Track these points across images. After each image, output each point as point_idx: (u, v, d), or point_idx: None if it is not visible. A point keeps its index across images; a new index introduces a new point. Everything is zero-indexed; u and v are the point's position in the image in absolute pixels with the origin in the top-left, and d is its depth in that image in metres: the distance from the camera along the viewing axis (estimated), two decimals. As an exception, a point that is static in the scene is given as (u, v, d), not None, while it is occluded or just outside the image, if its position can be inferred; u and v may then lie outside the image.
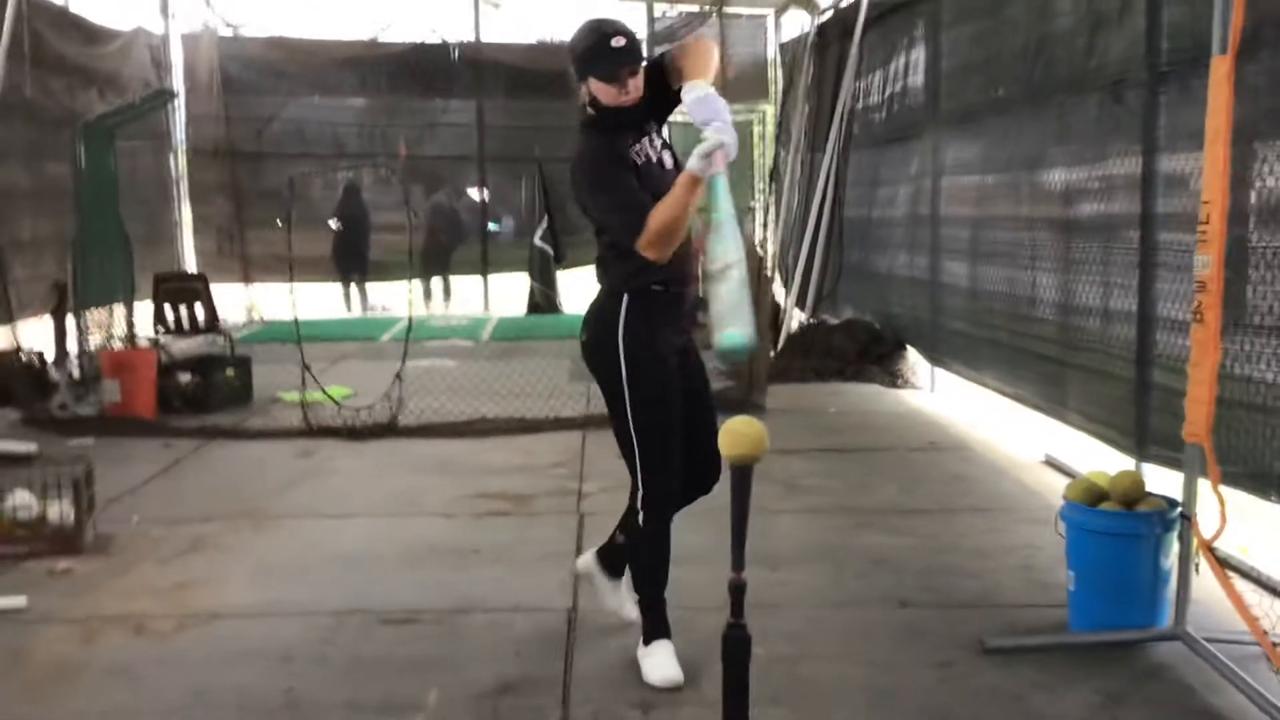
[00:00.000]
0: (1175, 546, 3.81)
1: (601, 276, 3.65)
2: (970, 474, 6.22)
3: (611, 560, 3.95)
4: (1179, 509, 3.80)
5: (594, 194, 3.50)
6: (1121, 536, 3.85)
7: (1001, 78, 7.14)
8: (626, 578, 3.92)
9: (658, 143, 3.61)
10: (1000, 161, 7.12)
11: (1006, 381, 7.05)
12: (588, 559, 4.02)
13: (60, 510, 4.94)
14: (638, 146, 3.54)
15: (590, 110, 3.53)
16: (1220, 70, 3.52)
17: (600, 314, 3.58)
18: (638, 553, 3.70)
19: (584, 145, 3.55)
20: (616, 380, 3.53)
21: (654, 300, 3.53)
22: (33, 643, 3.94)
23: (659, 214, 3.31)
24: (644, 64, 3.48)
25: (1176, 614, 3.78)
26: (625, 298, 3.52)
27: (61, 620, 4.14)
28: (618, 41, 3.42)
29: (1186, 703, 3.46)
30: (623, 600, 3.95)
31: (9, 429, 7.35)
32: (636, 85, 3.47)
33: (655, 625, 3.66)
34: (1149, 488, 4.02)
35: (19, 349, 8.50)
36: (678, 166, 3.59)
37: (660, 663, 3.58)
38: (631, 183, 3.45)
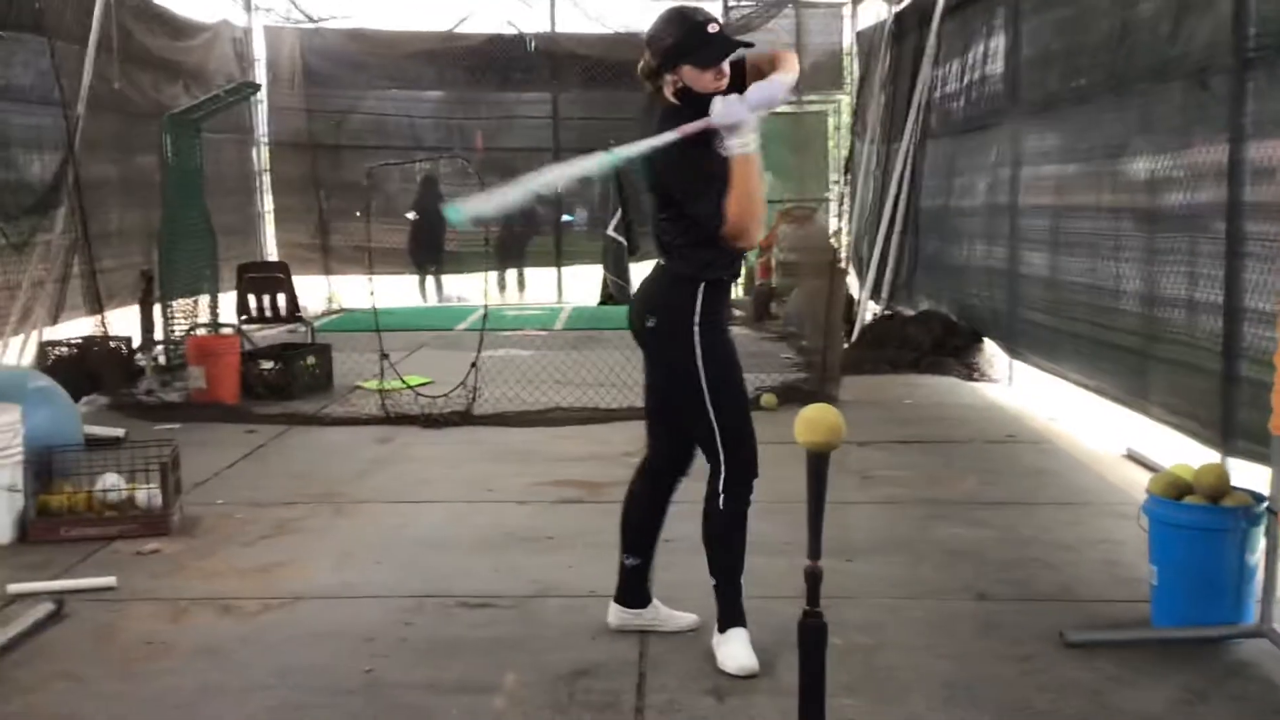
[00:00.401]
0: (1261, 542, 3.73)
1: (671, 264, 3.63)
2: (1050, 467, 6.15)
3: (631, 593, 3.88)
4: (1266, 504, 3.73)
5: (690, 182, 3.46)
6: (1206, 531, 3.78)
7: (1083, 66, 7.03)
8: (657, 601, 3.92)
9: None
10: (1082, 150, 7.01)
11: (1087, 374, 6.96)
12: (614, 614, 3.89)
13: (148, 493, 5.08)
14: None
15: (676, 100, 3.52)
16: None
17: (672, 301, 3.60)
18: (718, 535, 3.66)
19: (677, 119, 3.51)
20: (691, 366, 3.55)
21: (721, 289, 3.63)
22: (123, 621, 4.05)
23: (736, 203, 3.38)
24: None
25: (1262, 610, 3.70)
26: (701, 286, 3.55)
27: (150, 599, 4.25)
28: (714, 27, 3.46)
29: (1272, 700, 3.40)
30: (671, 614, 3.90)
31: (98, 414, 7.54)
32: (726, 72, 3.50)
33: (731, 613, 3.66)
34: (1234, 482, 3.94)
35: (108, 336, 8.72)
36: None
37: (735, 651, 3.58)
38: (721, 173, 3.45)
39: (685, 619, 3.90)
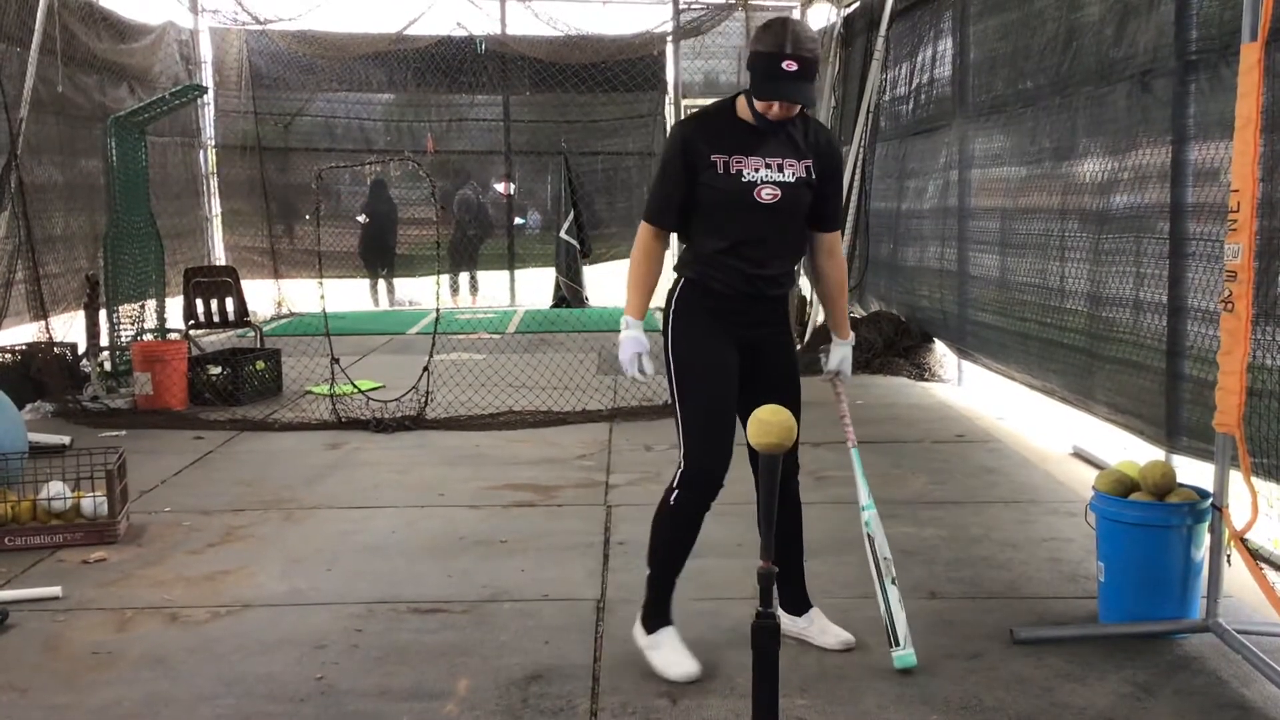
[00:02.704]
0: (1206, 538, 3.79)
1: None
2: (998, 466, 6.20)
3: (791, 600, 3.81)
4: (1210, 500, 3.78)
5: (658, 166, 3.60)
6: (1152, 527, 3.83)
7: (1029, 69, 7.11)
8: (815, 609, 3.84)
9: (782, 172, 3.48)
10: (1029, 153, 7.09)
11: (1034, 374, 7.03)
12: (783, 622, 3.70)
13: (94, 501, 5.00)
14: (739, 158, 3.45)
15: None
16: (1250, 57, 3.50)
17: (666, 293, 3.66)
18: (657, 524, 3.64)
19: (689, 118, 3.62)
20: (666, 354, 3.59)
21: (709, 292, 3.56)
22: (68, 631, 3.98)
23: (635, 263, 3.58)
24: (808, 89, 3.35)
25: (1208, 605, 3.76)
26: (680, 282, 3.61)
27: (96, 609, 4.19)
28: (789, 65, 3.27)
29: (1217, 694, 3.44)
30: (826, 627, 3.79)
31: (42, 421, 7.43)
32: (788, 110, 3.40)
33: (658, 609, 3.62)
34: (1179, 479, 4.00)
35: (52, 342, 8.58)
36: (789, 201, 3.49)
37: (671, 658, 3.55)
38: (676, 177, 3.48)
39: (838, 636, 3.77)
